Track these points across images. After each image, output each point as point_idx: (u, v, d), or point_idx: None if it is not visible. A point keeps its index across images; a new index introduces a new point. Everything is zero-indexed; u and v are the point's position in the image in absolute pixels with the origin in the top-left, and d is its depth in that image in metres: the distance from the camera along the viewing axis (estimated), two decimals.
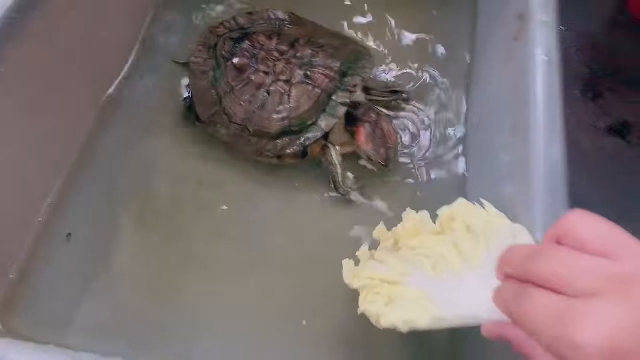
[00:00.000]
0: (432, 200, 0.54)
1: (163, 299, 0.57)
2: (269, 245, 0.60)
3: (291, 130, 0.61)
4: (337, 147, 0.62)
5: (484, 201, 0.44)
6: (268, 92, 0.61)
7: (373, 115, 0.61)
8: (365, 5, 0.79)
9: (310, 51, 0.63)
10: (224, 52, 0.65)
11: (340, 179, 0.61)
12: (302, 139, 0.60)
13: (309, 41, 0.65)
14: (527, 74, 0.51)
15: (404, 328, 0.40)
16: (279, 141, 0.61)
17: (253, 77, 0.62)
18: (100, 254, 0.59)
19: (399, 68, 0.73)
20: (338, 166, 0.61)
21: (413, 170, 0.65)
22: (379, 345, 0.54)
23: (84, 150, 0.66)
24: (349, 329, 0.54)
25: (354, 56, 0.65)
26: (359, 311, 0.43)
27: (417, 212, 0.49)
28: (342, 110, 0.60)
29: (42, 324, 0.55)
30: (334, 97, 0.61)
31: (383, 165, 0.60)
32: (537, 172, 0.45)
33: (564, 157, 0.45)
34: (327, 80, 0.61)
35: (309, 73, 0.61)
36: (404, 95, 0.69)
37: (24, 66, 0.56)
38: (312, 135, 0.60)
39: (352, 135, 0.62)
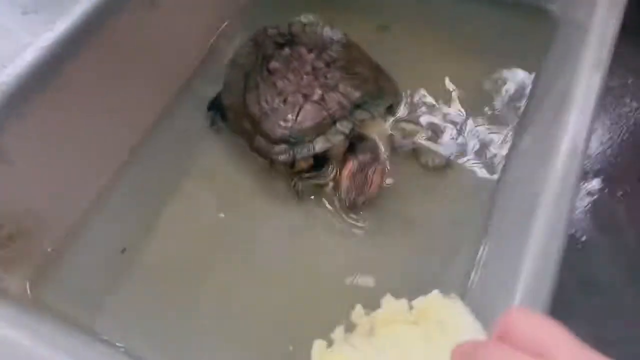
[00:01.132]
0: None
1: (184, 303, 0.60)
2: (273, 263, 0.62)
3: (289, 141, 0.64)
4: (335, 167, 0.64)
5: (453, 295, 0.46)
6: (285, 100, 0.65)
7: (368, 157, 0.62)
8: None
9: (339, 75, 0.65)
10: (265, 52, 0.69)
11: (343, 195, 0.63)
12: (294, 152, 0.63)
13: (345, 66, 0.67)
14: (550, 162, 0.50)
15: None
16: (276, 146, 0.64)
17: (278, 82, 0.66)
18: (137, 246, 0.63)
19: (445, 107, 0.72)
20: (326, 178, 0.64)
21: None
22: None
23: (137, 145, 0.71)
24: None
25: (377, 92, 0.66)
26: None
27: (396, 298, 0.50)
28: (339, 138, 0.62)
29: (69, 300, 0.59)
30: (337, 124, 0.63)
31: (347, 207, 0.62)
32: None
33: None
34: (338, 106, 0.63)
35: (325, 95, 0.64)
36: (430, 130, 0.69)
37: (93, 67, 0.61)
38: (304, 151, 0.63)
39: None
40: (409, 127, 0.70)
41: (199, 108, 0.75)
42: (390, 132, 0.69)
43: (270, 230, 0.65)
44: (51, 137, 0.60)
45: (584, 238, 0.67)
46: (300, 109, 0.64)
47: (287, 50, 0.68)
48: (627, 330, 0.58)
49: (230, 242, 0.64)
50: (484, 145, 0.69)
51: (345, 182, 0.62)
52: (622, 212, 0.69)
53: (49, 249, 0.62)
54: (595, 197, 0.70)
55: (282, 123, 0.64)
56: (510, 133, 0.69)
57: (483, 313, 0.44)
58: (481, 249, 0.59)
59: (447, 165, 0.67)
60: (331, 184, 0.66)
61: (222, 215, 0.66)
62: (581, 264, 0.63)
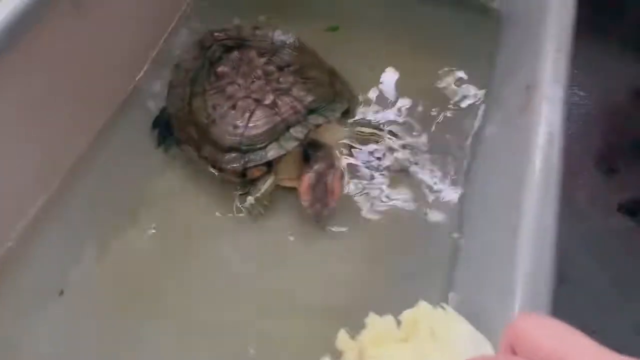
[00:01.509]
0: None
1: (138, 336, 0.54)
2: (237, 289, 0.57)
3: (240, 148, 0.60)
4: (275, 179, 0.61)
5: (444, 305, 0.43)
6: (234, 106, 0.61)
7: (323, 165, 0.59)
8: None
9: (292, 79, 0.62)
10: (212, 56, 0.66)
11: (253, 197, 0.60)
12: (245, 160, 0.59)
13: (298, 70, 0.64)
14: (527, 148, 0.49)
15: None
16: (226, 154, 0.60)
17: (227, 88, 0.62)
18: (83, 259, 0.59)
19: (401, 107, 0.71)
20: (261, 191, 0.60)
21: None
22: None
23: (86, 150, 0.66)
24: None
25: (332, 97, 0.64)
26: None
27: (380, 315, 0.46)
28: (293, 144, 0.59)
29: None
30: (291, 130, 0.60)
31: (314, 220, 0.59)
32: (521, 258, 0.42)
33: (553, 241, 0.42)
34: (291, 111, 0.60)
35: (277, 99, 0.60)
36: (388, 133, 0.67)
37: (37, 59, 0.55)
38: (256, 159, 0.59)
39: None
40: (367, 130, 0.67)
41: (142, 126, 0.69)
42: (346, 136, 0.66)
43: (230, 250, 0.60)
44: None
45: None
46: (251, 115, 0.60)
47: (236, 54, 0.65)
48: (603, 320, 0.59)
49: (185, 267, 0.59)
50: (444, 144, 0.67)
51: (306, 197, 0.58)
52: (584, 199, 0.71)
53: None
54: None
55: (231, 130, 0.60)
56: (473, 129, 0.68)
57: (475, 313, 0.41)
58: (462, 243, 0.58)
59: (405, 169, 0.65)
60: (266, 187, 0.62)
61: (174, 239, 0.61)
62: None
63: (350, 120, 0.66)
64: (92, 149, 0.67)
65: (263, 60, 0.64)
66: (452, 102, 0.71)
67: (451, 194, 0.63)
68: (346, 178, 0.63)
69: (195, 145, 0.63)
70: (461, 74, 0.74)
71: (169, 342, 0.54)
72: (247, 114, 0.60)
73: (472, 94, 0.72)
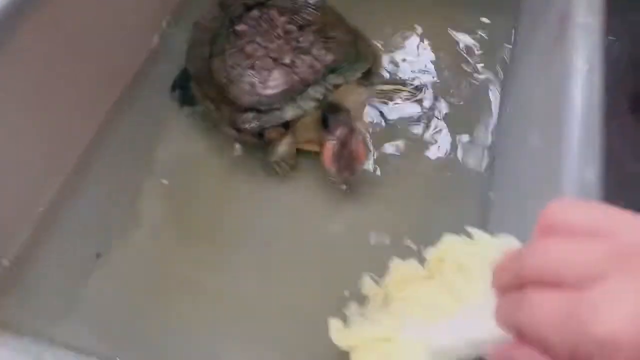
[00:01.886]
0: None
1: (159, 302, 0.54)
2: (273, 250, 0.57)
3: (257, 108, 0.59)
4: (293, 141, 0.60)
5: (471, 230, 0.40)
6: (253, 65, 0.59)
7: (344, 130, 0.57)
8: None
9: (312, 38, 0.60)
10: (232, 15, 0.64)
11: (273, 157, 0.59)
12: (262, 120, 0.58)
13: (320, 29, 0.62)
14: (564, 83, 0.45)
15: None
16: (244, 114, 0.59)
17: (247, 47, 0.61)
18: (101, 250, 0.57)
19: (427, 63, 0.70)
20: (276, 154, 0.59)
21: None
22: None
23: (90, 146, 0.64)
24: None
25: (354, 57, 0.61)
26: None
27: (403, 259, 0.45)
28: (311, 105, 0.57)
29: (30, 314, 0.53)
30: (309, 90, 0.58)
31: (344, 188, 0.58)
32: (568, 194, 0.39)
33: (600, 180, 0.40)
34: (310, 70, 0.58)
35: (295, 59, 0.59)
36: (413, 88, 0.66)
37: (29, 55, 0.54)
38: (272, 119, 0.58)
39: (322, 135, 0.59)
40: (389, 87, 0.65)
41: (164, 88, 0.68)
42: (367, 97, 0.64)
43: (258, 211, 0.59)
44: None
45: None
46: (269, 74, 0.59)
47: (256, 13, 0.63)
48: None
49: (220, 231, 0.58)
50: (473, 95, 0.66)
51: (332, 166, 0.56)
52: (619, 145, 0.69)
53: (5, 262, 0.55)
54: None
55: (249, 89, 0.59)
56: (501, 76, 0.68)
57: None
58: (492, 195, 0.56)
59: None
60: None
61: (203, 204, 0.60)
62: None
63: (370, 83, 0.64)
64: (116, 112, 0.67)
65: (284, 19, 0.62)
66: (478, 51, 0.70)
67: (483, 142, 0.63)
68: (369, 139, 0.62)
69: (215, 105, 0.62)
70: (486, 20, 0.72)
71: (205, 304, 0.54)
72: (265, 73, 0.59)
73: (500, 39, 0.71)
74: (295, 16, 0.63)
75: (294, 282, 0.54)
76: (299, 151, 0.62)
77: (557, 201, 0.26)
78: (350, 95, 0.61)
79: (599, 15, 0.49)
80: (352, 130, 0.57)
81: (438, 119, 0.65)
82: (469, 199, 0.58)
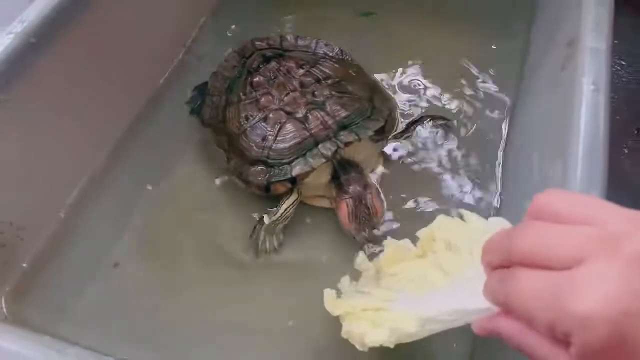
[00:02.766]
0: None
1: (168, 303, 0.56)
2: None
3: (266, 162, 0.58)
4: (297, 198, 0.59)
5: (463, 212, 0.42)
6: (266, 118, 0.59)
7: (358, 187, 0.56)
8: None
9: (327, 92, 0.60)
10: (250, 66, 0.65)
11: (273, 218, 0.57)
12: (269, 175, 0.57)
13: (336, 83, 0.61)
14: (572, 103, 0.47)
15: (390, 340, 0.38)
16: (252, 167, 0.59)
17: (261, 98, 0.60)
18: (116, 255, 0.59)
19: (441, 90, 0.71)
20: (282, 209, 0.58)
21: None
22: None
23: (111, 154, 0.66)
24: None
25: (368, 113, 0.60)
26: (342, 334, 0.43)
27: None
28: (319, 161, 0.56)
29: (48, 315, 0.54)
30: (319, 146, 0.57)
31: (367, 243, 0.55)
32: None
33: (604, 195, 0.41)
34: (321, 126, 0.57)
35: (309, 113, 0.58)
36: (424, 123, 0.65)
37: (64, 64, 0.56)
38: (280, 173, 0.57)
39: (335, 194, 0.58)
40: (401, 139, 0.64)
41: (180, 105, 0.70)
42: (380, 153, 0.63)
43: None
44: (25, 139, 0.55)
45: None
46: (280, 127, 0.58)
47: (274, 64, 0.63)
48: None
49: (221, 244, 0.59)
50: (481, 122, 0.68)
51: (351, 226, 0.55)
52: (629, 166, 0.70)
53: (24, 264, 0.57)
54: None
55: (260, 142, 0.58)
56: (508, 104, 0.69)
57: None
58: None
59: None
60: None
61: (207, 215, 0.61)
62: None
63: (384, 139, 0.63)
64: (138, 122, 0.68)
65: (301, 71, 0.62)
66: (488, 77, 0.71)
67: (490, 175, 0.63)
68: (382, 194, 0.59)
69: (226, 154, 0.61)
70: (497, 47, 0.74)
71: (224, 315, 0.54)
72: (277, 127, 0.58)
73: (508, 67, 0.72)
74: (313, 69, 0.62)
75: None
76: (307, 205, 0.61)
77: (546, 191, 0.28)
78: (363, 151, 0.60)
79: (606, 40, 0.50)
80: (365, 185, 0.56)
81: (445, 152, 0.65)
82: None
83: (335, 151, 0.56)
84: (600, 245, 0.24)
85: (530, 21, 0.74)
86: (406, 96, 0.70)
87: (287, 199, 0.58)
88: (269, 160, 0.57)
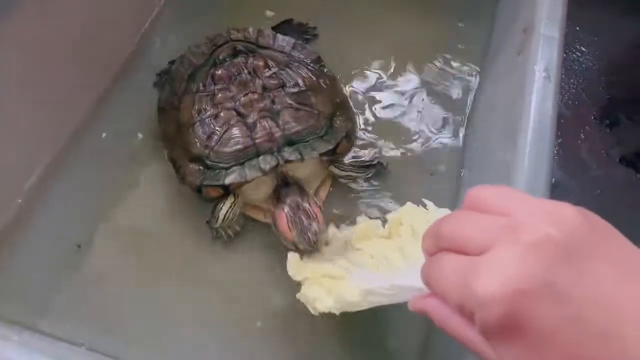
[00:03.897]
0: None
1: (132, 290, 0.55)
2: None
3: (204, 162, 0.56)
4: (233, 205, 0.56)
5: (426, 201, 0.46)
6: (217, 115, 0.57)
7: (296, 196, 0.53)
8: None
9: (287, 101, 0.57)
10: (218, 56, 0.62)
11: (215, 224, 0.57)
12: (203, 177, 0.55)
13: (301, 92, 0.58)
14: (523, 89, 0.50)
15: (336, 307, 0.43)
16: (191, 164, 0.57)
17: (219, 94, 0.58)
18: (76, 241, 0.58)
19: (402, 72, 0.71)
20: (221, 215, 0.56)
21: None
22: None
23: (74, 134, 0.64)
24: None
25: (322, 132, 0.57)
26: (297, 296, 0.47)
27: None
28: (255, 174, 0.53)
29: (12, 303, 0.53)
30: (260, 158, 0.54)
31: (310, 249, 0.52)
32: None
33: (548, 180, 0.44)
34: (266, 137, 0.54)
35: (259, 121, 0.55)
36: (375, 168, 0.62)
37: (24, 30, 0.54)
38: (212, 179, 0.55)
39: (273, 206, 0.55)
40: (342, 173, 0.60)
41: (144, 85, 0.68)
42: (326, 177, 0.60)
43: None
44: None
45: (553, 180, 0.70)
46: (227, 129, 0.55)
47: (241, 59, 0.60)
48: None
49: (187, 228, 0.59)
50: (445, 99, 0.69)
51: (290, 234, 0.52)
52: (586, 151, 0.75)
53: None
54: (559, 140, 0.76)
55: (204, 139, 0.56)
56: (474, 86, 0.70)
57: None
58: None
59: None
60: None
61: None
62: None
63: (334, 161, 0.59)
64: (99, 107, 0.66)
65: (268, 73, 0.59)
66: (454, 56, 0.72)
67: (454, 140, 0.66)
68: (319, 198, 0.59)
69: (170, 143, 0.60)
70: (461, 32, 0.75)
71: (184, 296, 0.55)
72: (225, 128, 0.55)
73: (475, 46, 0.73)
74: (282, 72, 0.60)
75: None
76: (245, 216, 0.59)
77: (478, 185, 0.31)
78: (309, 169, 0.58)
79: (559, 28, 0.52)
80: (302, 194, 0.54)
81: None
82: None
83: (276, 166, 0.53)
84: (505, 234, 0.27)
85: (495, 5, 0.76)
86: (372, 78, 0.70)
87: (223, 205, 0.56)
88: (208, 161, 0.55)
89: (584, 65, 0.82)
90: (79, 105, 0.65)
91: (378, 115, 0.67)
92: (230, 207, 0.56)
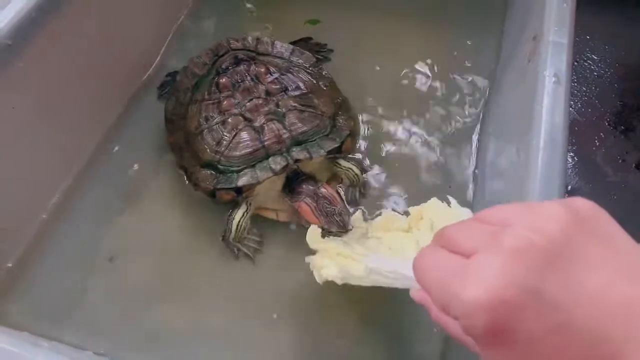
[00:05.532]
0: None
1: (153, 303, 0.56)
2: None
3: (216, 167, 0.57)
4: (247, 210, 0.58)
5: (450, 198, 0.47)
6: (224, 121, 0.58)
7: (310, 187, 0.55)
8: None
9: (292, 104, 0.59)
10: (220, 65, 0.64)
11: (230, 235, 0.57)
12: (216, 181, 0.57)
13: (303, 95, 0.60)
14: (535, 94, 0.50)
15: (339, 276, 0.46)
16: (202, 170, 0.58)
17: (224, 101, 0.60)
18: (102, 255, 0.59)
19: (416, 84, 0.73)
20: (234, 225, 0.57)
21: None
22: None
23: (93, 155, 0.65)
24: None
25: (327, 131, 0.59)
26: (306, 260, 0.50)
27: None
28: (267, 175, 0.55)
29: (35, 315, 0.55)
30: (270, 159, 0.56)
31: (343, 231, 0.54)
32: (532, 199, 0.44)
33: (562, 181, 0.44)
34: (275, 139, 0.56)
35: (267, 124, 0.57)
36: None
37: (41, 65, 0.56)
38: (225, 183, 0.56)
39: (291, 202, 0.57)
40: (345, 164, 0.61)
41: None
42: (333, 174, 0.62)
43: None
44: (4, 142, 0.54)
45: (569, 187, 0.73)
46: (236, 134, 0.57)
47: (243, 67, 0.62)
48: None
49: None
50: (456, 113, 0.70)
51: (321, 221, 0.54)
52: (601, 158, 0.75)
53: (9, 264, 0.57)
54: (574, 147, 0.77)
55: (214, 145, 0.58)
56: (485, 95, 0.72)
57: None
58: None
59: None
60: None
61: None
62: None
63: (340, 159, 0.61)
64: (119, 123, 0.68)
65: (270, 78, 0.61)
66: (464, 71, 0.73)
67: (467, 147, 0.67)
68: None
69: (180, 152, 0.61)
70: (471, 42, 0.76)
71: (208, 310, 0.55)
72: (233, 133, 0.57)
73: (486, 60, 0.74)
74: (283, 77, 0.61)
75: None
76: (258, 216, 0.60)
77: (495, 206, 0.31)
78: (313, 167, 0.59)
79: (568, 34, 0.53)
80: (315, 182, 0.56)
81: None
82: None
83: (285, 166, 0.55)
84: (490, 239, 0.27)
85: (504, 17, 0.78)
86: (383, 91, 0.71)
87: (235, 213, 0.57)
88: (219, 166, 0.57)
89: (595, 73, 0.83)
90: (100, 122, 0.66)
91: (390, 133, 0.68)
92: (242, 216, 0.57)
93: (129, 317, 0.55)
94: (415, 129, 0.68)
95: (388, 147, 0.66)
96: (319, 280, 0.47)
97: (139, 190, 0.63)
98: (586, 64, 0.84)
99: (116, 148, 0.66)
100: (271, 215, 0.59)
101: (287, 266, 0.57)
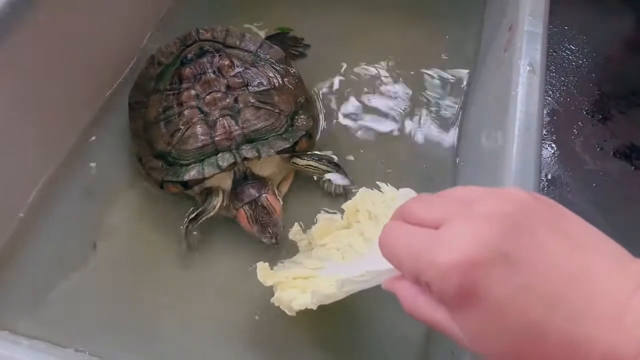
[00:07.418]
0: None
1: (131, 303, 0.55)
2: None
3: (167, 159, 0.58)
4: (224, 198, 0.57)
5: (380, 184, 0.47)
6: (181, 113, 0.58)
7: (252, 192, 0.55)
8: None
9: (250, 100, 0.58)
10: (186, 55, 0.63)
11: (183, 227, 0.56)
12: (164, 174, 0.57)
13: (265, 91, 0.60)
14: (509, 84, 0.51)
15: (313, 301, 0.43)
16: (154, 160, 0.58)
17: (184, 92, 0.60)
18: (81, 252, 0.58)
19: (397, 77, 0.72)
20: (211, 212, 0.56)
21: None
22: None
23: (71, 152, 0.64)
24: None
25: (282, 130, 0.58)
26: (272, 300, 0.47)
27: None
28: (213, 171, 0.55)
29: (16, 314, 0.53)
30: (218, 156, 0.56)
31: (274, 243, 0.54)
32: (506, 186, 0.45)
33: (537, 167, 0.45)
34: (224, 135, 0.56)
35: (219, 120, 0.57)
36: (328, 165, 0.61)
37: (16, 61, 0.54)
38: (172, 176, 0.56)
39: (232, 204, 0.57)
40: (303, 162, 0.60)
41: None
42: (287, 172, 0.61)
43: None
44: None
45: (548, 176, 0.74)
46: (191, 127, 0.57)
47: (206, 59, 0.61)
48: None
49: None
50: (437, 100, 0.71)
51: (254, 229, 0.54)
52: (580, 145, 0.77)
53: None
54: (553, 137, 0.78)
55: (167, 137, 0.58)
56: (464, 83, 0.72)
57: None
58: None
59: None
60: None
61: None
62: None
63: (297, 158, 0.60)
64: (99, 119, 0.66)
65: (233, 72, 0.60)
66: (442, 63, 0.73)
67: (448, 137, 0.67)
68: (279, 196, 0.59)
69: (137, 140, 0.61)
70: (452, 37, 0.76)
71: (177, 298, 0.55)
72: (187, 126, 0.57)
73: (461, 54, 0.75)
74: (248, 71, 0.61)
75: None
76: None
77: (457, 187, 0.33)
78: (270, 166, 0.59)
79: (542, 24, 0.54)
80: (260, 188, 0.55)
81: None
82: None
83: (232, 164, 0.55)
84: (461, 208, 0.29)
85: (484, 9, 0.78)
86: (361, 86, 0.70)
87: (216, 201, 0.56)
88: (169, 158, 0.57)
89: (573, 63, 0.85)
90: (72, 126, 0.64)
91: (364, 123, 0.67)
92: (219, 202, 0.56)
93: (110, 313, 0.54)
94: (394, 122, 0.67)
95: (366, 141, 0.66)
96: (290, 313, 0.45)
97: (120, 186, 0.62)
98: (564, 54, 0.85)
99: (95, 144, 0.65)
100: (225, 213, 0.59)
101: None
